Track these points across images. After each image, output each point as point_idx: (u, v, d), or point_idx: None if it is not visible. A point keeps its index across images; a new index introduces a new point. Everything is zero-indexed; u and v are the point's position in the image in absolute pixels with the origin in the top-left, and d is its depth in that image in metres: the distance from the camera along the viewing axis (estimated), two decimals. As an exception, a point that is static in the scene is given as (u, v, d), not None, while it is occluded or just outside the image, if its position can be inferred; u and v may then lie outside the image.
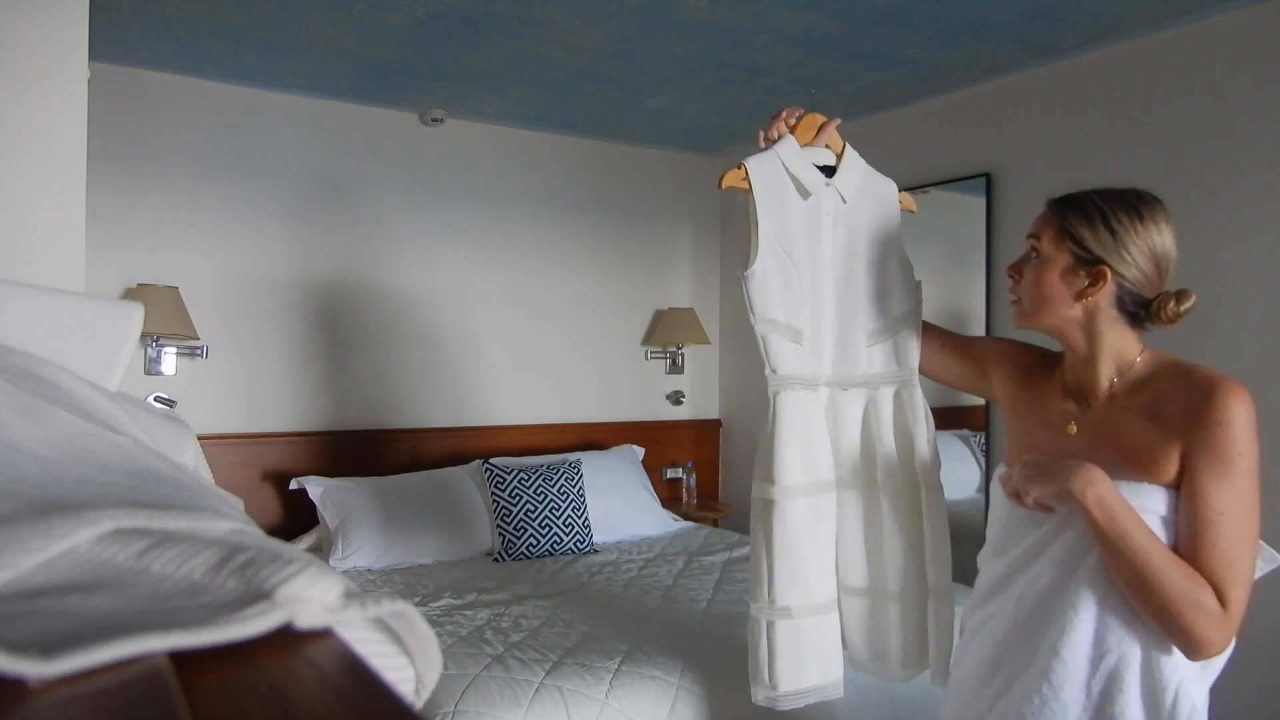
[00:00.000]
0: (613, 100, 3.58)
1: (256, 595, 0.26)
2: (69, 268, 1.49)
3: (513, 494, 3.32)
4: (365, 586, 2.18)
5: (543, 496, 3.36)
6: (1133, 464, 1.24)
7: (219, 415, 3.34)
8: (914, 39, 2.86)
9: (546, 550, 3.29)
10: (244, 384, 3.41)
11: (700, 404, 4.55)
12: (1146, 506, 1.22)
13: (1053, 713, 1.24)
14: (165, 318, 3.03)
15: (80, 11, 1.51)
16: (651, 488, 3.90)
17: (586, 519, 3.43)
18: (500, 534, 3.28)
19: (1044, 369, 1.45)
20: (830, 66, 3.14)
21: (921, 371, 1.68)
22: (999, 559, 1.37)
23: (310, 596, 0.26)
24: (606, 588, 2.92)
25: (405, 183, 3.75)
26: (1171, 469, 1.23)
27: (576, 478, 3.50)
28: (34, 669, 0.21)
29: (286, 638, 0.26)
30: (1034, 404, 1.42)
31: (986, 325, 3.25)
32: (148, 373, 3.20)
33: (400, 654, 0.31)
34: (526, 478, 3.39)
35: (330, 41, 2.94)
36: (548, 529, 3.31)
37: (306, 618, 0.26)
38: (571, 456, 3.72)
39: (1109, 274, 1.31)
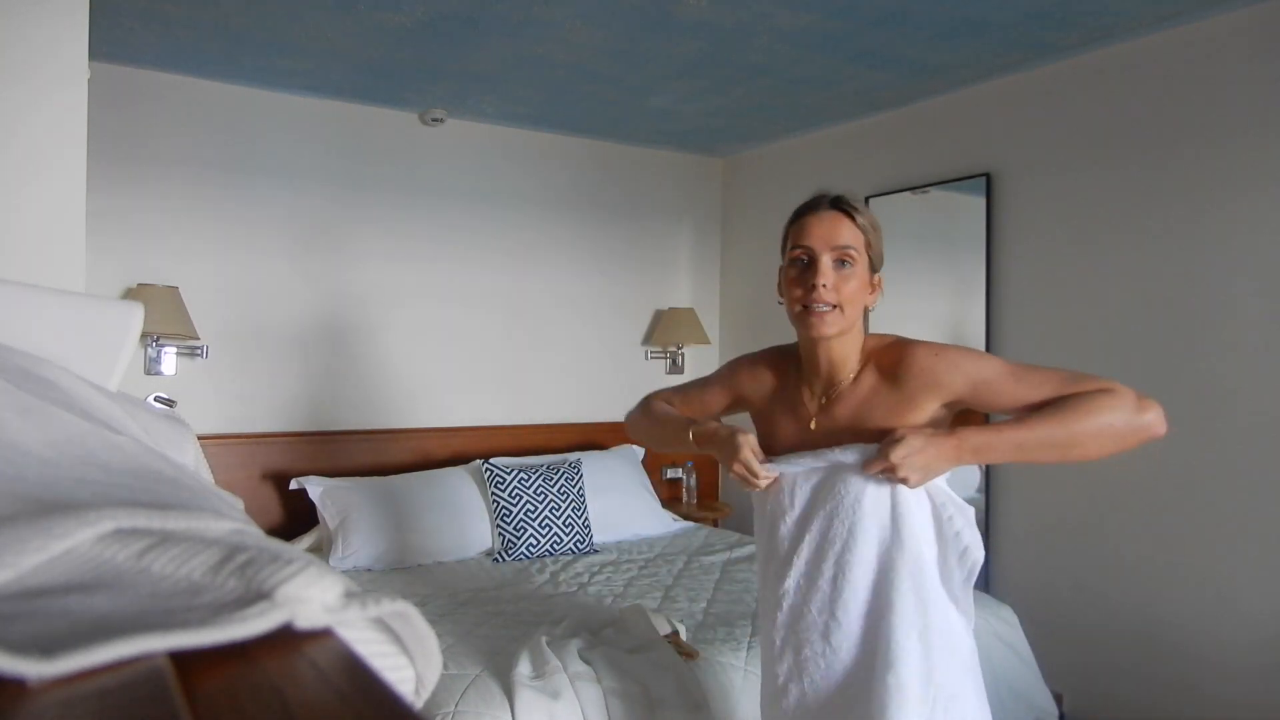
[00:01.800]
0: (613, 100, 3.58)
1: (257, 595, 0.26)
2: (69, 268, 1.49)
3: (513, 494, 3.32)
4: (365, 586, 2.17)
5: (543, 496, 3.36)
6: (867, 440, 1.40)
7: (219, 415, 3.34)
8: (914, 39, 2.86)
9: (546, 550, 3.29)
10: (244, 384, 3.41)
11: (700, 404, 4.54)
12: (862, 458, 1.38)
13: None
14: (165, 318, 3.03)
15: (80, 11, 1.51)
16: (651, 488, 3.90)
17: (586, 519, 3.43)
18: (500, 534, 3.28)
19: (784, 371, 1.56)
20: (830, 66, 3.14)
21: None
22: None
23: (310, 596, 0.26)
24: (607, 588, 2.92)
25: (405, 183, 3.75)
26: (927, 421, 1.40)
27: (576, 478, 3.50)
28: (34, 669, 0.21)
29: (286, 638, 0.26)
30: (782, 406, 1.54)
31: (987, 326, 3.25)
32: (148, 373, 3.20)
33: (400, 654, 0.31)
34: (526, 478, 3.39)
35: (330, 41, 2.94)
36: (548, 529, 3.31)
37: (306, 618, 0.26)
38: (571, 456, 3.72)
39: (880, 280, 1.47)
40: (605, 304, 4.26)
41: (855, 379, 1.43)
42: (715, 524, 4.06)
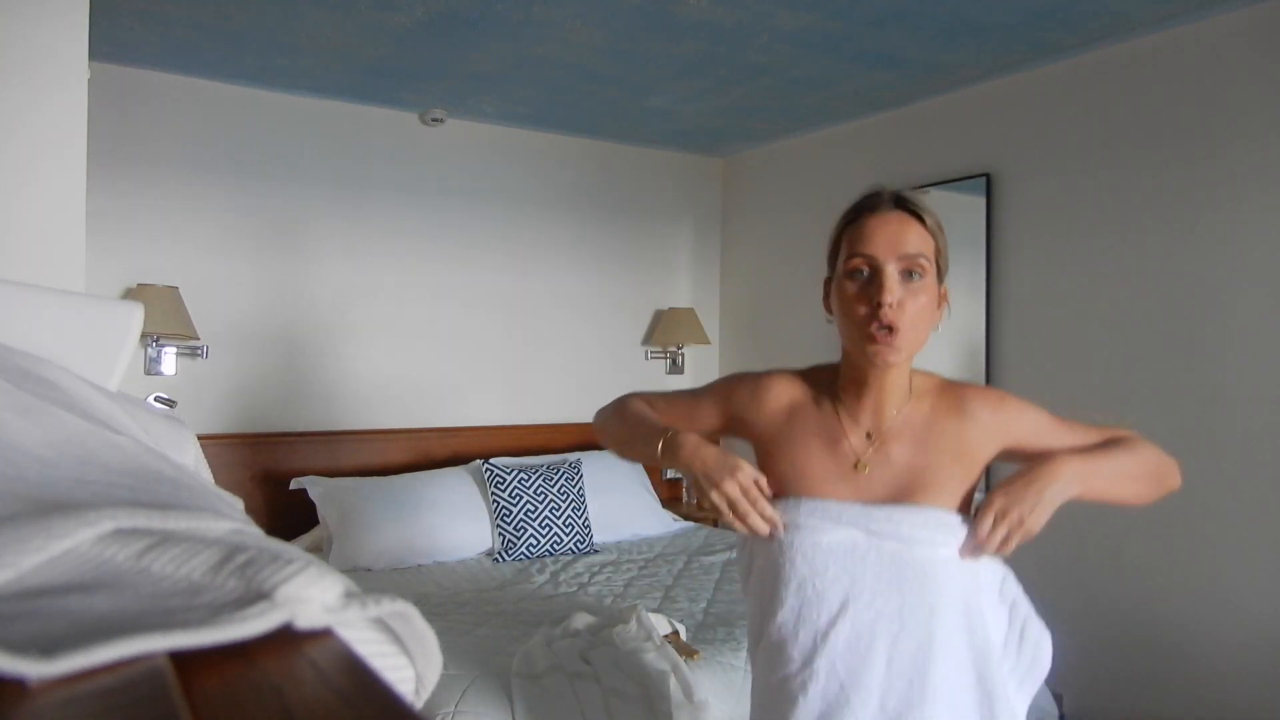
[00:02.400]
0: (613, 100, 3.58)
1: (256, 595, 0.26)
2: (69, 268, 1.49)
3: (513, 494, 3.32)
4: (365, 586, 2.18)
5: (543, 496, 3.36)
6: (933, 491, 1.19)
7: (219, 415, 3.34)
8: (914, 39, 2.86)
9: (546, 550, 3.29)
10: (244, 384, 3.41)
11: (700, 404, 4.54)
12: (945, 534, 1.17)
13: None
14: (165, 318, 3.03)
15: (80, 11, 1.51)
16: (651, 488, 3.91)
17: (586, 519, 3.43)
18: (500, 534, 3.28)
19: (816, 394, 1.30)
20: (830, 66, 3.14)
21: None
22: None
23: (310, 596, 0.26)
24: (607, 588, 2.92)
25: (405, 183, 3.75)
26: (972, 480, 1.24)
27: (576, 478, 3.50)
28: (34, 669, 0.21)
29: (286, 638, 0.26)
30: (809, 445, 1.26)
31: (986, 326, 3.25)
32: (148, 373, 3.20)
33: (400, 654, 0.31)
34: (526, 478, 3.39)
35: (330, 41, 2.94)
36: (548, 529, 3.31)
37: (306, 618, 0.26)
38: (571, 456, 3.72)
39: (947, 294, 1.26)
40: (605, 304, 4.26)
41: (907, 413, 1.23)
42: (715, 524, 4.06)
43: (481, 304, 3.92)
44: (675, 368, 4.43)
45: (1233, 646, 2.57)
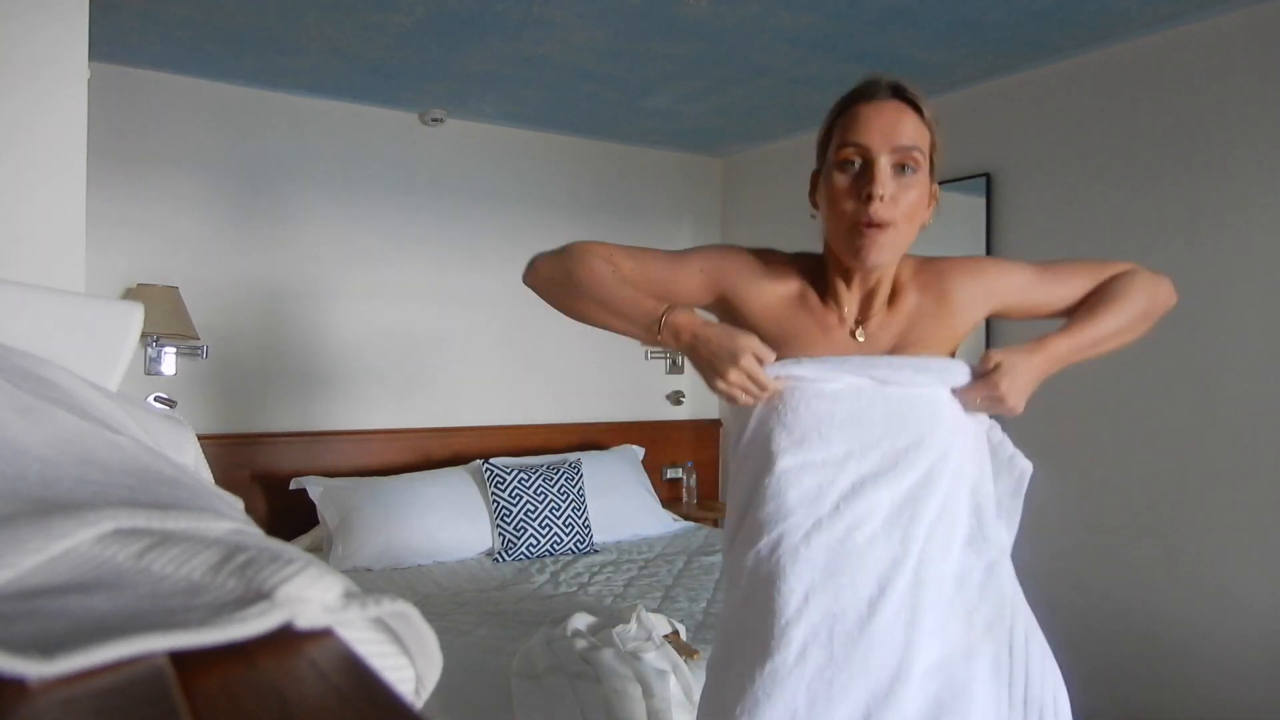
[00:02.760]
0: (613, 100, 3.58)
1: (256, 595, 0.26)
2: (69, 268, 1.49)
3: (513, 494, 3.32)
4: (365, 586, 2.18)
5: (543, 496, 3.36)
6: (926, 349, 1.23)
7: (219, 415, 3.34)
8: (914, 39, 2.86)
9: (546, 550, 3.29)
10: (244, 384, 3.41)
11: (700, 404, 4.55)
12: (946, 376, 1.20)
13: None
14: (165, 318, 3.03)
15: (80, 11, 1.51)
16: (651, 488, 3.91)
17: (586, 519, 3.43)
18: (500, 534, 3.28)
19: (805, 282, 1.27)
20: (830, 66, 3.14)
21: None
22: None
23: (310, 596, 0.26)
24: (607, 588, 2.92)
25: (405, 183, 3.75)
26: (958, 339, 1.27)
27: (576, 478, 3.50)
28: (34, 669, 0.21)
29: (286, 638, 0.26)
30: (803, 324, 1.25)
31: (987, 328, 3.25)
32: (148, 373, 3.20)
33: (400, 654, 0.31)
34: (526, 478, 3.39)
35: (330, 41, 2.94)
36: (548, 529, 3.31)
37: (306, 618, 0.26)
38: (571, 456, 3.72)
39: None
40: (605, 304, 4.26)
41: (893, 301, 1.23)
42: (715, 524, 4.06)
43: (482, 304, 3.92)
44: (675, 368, 4.44)
45: (1233, 646, 2.57)
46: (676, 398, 4.45)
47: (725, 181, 4.58)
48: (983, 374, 1.18)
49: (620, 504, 3.65)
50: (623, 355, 4.31)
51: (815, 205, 1.21)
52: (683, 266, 1.28)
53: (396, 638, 0.31)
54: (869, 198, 1.09)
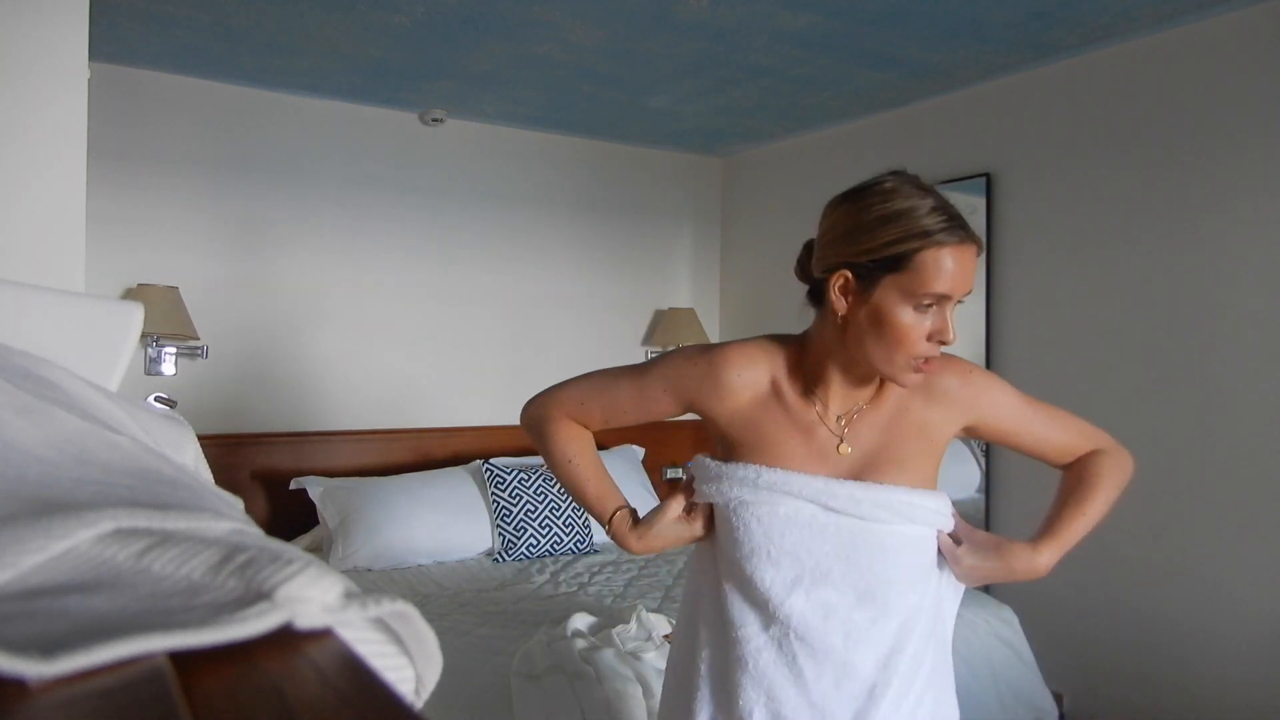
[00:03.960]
0: (613, 100, 3.58)
1: (256, 595, 0.26)
2: (69, 268, 1.49)
3: (513, 494, 3.32)
4: (365, 586, 2.19)
5: (543, 496, 3.36)
6: (901, 470, 1.19)
7: (219, 415, 3.34)
8: (914, 39, 2.86)
9: (546, 550, 3.29)
10: (244, 384, 3.41)
11: (700, 404, 4.55)
12: (933, 513, 1.19)
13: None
14: (165, 318, 3.03)
15: (80, 11, 1.51)
16: (652, 488, 3.90)
17: (586, 519, 3.43)
18: (500, 534, 3.28)
19: (781, 374, 1.24)
20: (830, 66, 3.14)
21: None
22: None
23: (310, 596, 0.26)
24: (607, 588, 2.92)
25: (405, 183, 3.75)
26: (938, 460, 1.24)
27: (576, 478, 3.50)
28: (34, 669, 0.21)
29: (286, 638, 0.26)
30: (780, 426, 1.21)
31: (987, 328, 3.25)
32: (148, 373, 3.20)
33: (400, 654, 0.31)
34: (526, 478, 3.39)
35: (330, 41, 2.94)
36: (548, 529, 3.31)
37: (306, 618, 0.26)
38: (571, 456, 3.71)
39: None
40: (605, 304, 4.26)
41: (877, 394, 1.21)
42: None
43: (482, 304, 3.92)
44: (675, 368, 4.43)
45: (1232, 646, 2.57)
46: (676, 398, 4.44)
47: (725, 181, 4.58)
48: (949, 547, 1.21)
49: (620, 504, 3.64)
50: (623, 355, 4.31)
51: (838, 303, 1.13)
52: (647, 387, 1.29)
53: (396, 638, 0.31)
54: (941, 343, 1.10)
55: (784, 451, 1.19)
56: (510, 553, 3.24)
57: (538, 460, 3.63)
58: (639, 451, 4.03)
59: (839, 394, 1.20)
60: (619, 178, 4.30)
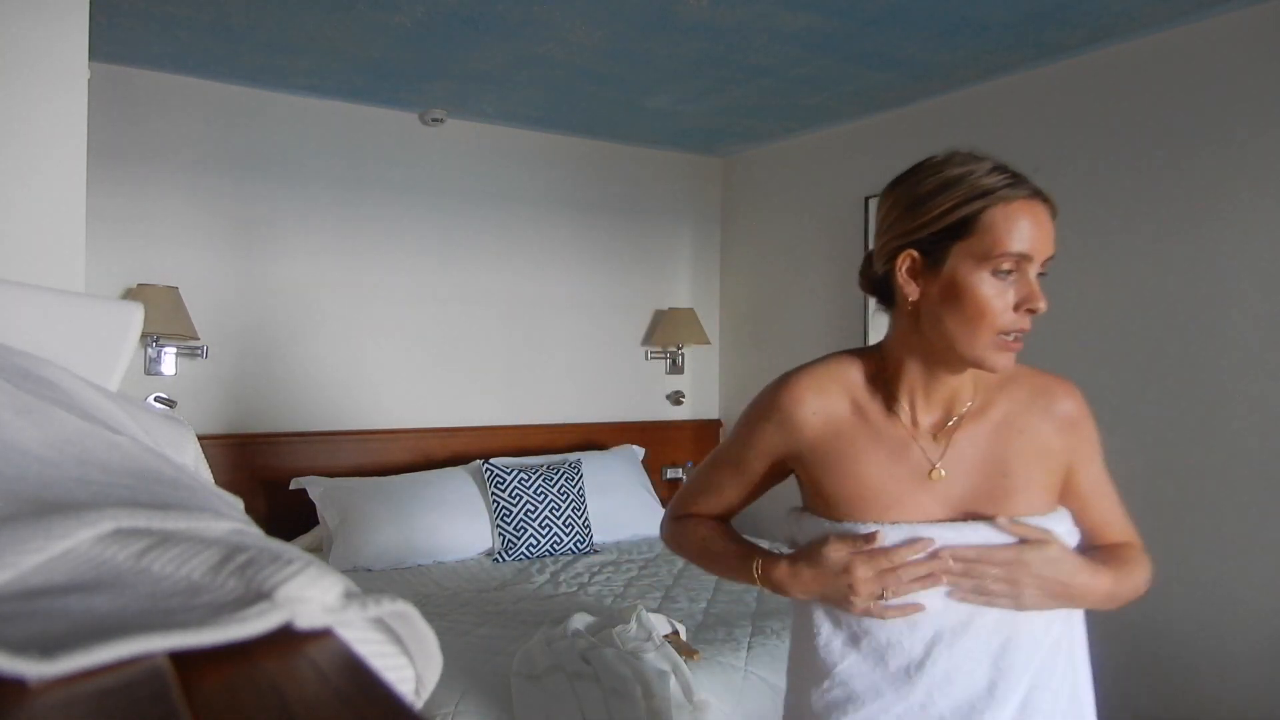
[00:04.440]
0: (613, 100, 3.58)
1: (256, 595, 0.26)
2: (69, 268, 1.49)
3: (513, 494, 3.32)
4: (365, 586, 2.19)
5: (543, 496, 3.36)
6: (1023, 493, 1.07)
7: (219, 415, 3.34)
8: (914, 39, 2.86)
9: (546, 550, 3.29)
10: (244, 384, 3.41)
11: (700, 404, 4.55)
12: (1067, 536, 1.09)
13: None
14: (165, 318, 3.03)
15: (80, 11, 1.51)
16: (652, 488, 3.90)
17: (587, 519, 3.43)
18: (500, 534, 3.28)
19: (861, 393, 1.12)
20: (830, 66, 3.14)
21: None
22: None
23: (310, 596, 0.26)
24: (607, 588, 2.92)
25: (405, 183, 3.75)
26: (1057, 481, 1.11)
27: (576, 478, 3.50)
28: (34, 669, 0.21)
29: (286, 638, 0.26)
30: (867, 452, 1.09)
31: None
32: (148, 373, 3.20)
33: (400, 654, 0.31)
34: (526, 478, 3.39)
35: (330, 41, 2.94)
36: (548, 529, 3.31)
37: (306, 618, 0.26)
38: (571, 457, 3.72)
39: None
40: (605, 304, 4.26)
41: (974, 409, 1.09)
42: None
43: (482, 304, 3.92)
44: (675, 368, 4.43)
45: (1233, 646, 2.57)
46: (676, 398, 4.45)
47: (725, 181, 4.58)
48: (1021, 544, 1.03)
49: (620, 504, 3.65)
50: (623, 355, 4.31)
51: (908, 288, 1.04)
52: (744, 468, 1.19)
53: (396, 638, 0.31)
54: (1030, 312, 0.99)
55: (875, 481, 1.07)
56: (510, 553, 3.24)
57: (538, 460, 3.63)
58: (639, 451, 4.04)
59: (926, 400, 1.08)
60: (619, 178, 4.30)
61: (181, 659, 0.24)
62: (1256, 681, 2.51)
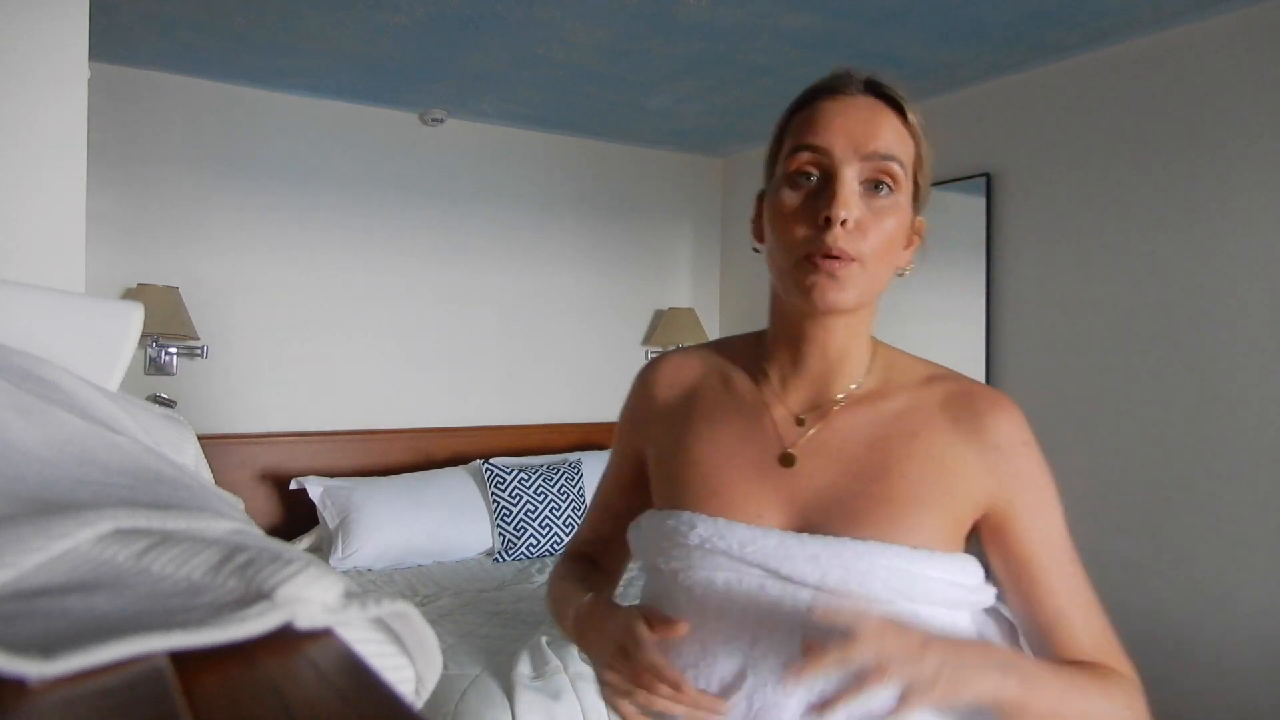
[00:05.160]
0: (613, 100, 3.58)
1: (257, 595, 0.26)
2: (69, 268, 1.49)
3: (513, 494, 3.32)
4: (365, 586, 2.19)
5: (543, 496, 3.36)
6: (901, 509, 0.80)
7: (219, 415, 3.34)
8: (914, 39, 2.86)
9: (547, 550, 3.29)
10: (244, 384, 3.41)
11: (700, 404, 4.55)
12: (948, 586, 0.79)
13: None
14: (165, 318, 3.03)
15: (80, 11, 1.51)
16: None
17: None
18: (500, 534, 3.28)
19: (729, 368, 0.94)
20: (830, 67, 3.14)
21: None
22: None
23: (310, 596, 0.26)
24: (606, 588, 2.92)
25: (405, 183, 3.75)
26: (960, 519, 0.83)
27: (576, 478, 3.50)
28: (34, 669, 0.21)
29: (286, 638, 0.26)
30: (717, 428, 0.89)
31: (986, 327, 3.24)
32: (148, 373, 3.20)
33: (400, 654, 0.31)
34: (526, 478, 3.39)
35: (330, 41, 2.94)
36: (548, 529, 3.31)
37: (306, 618, 0.26)
38: (571, 456, 3.72)
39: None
40: (605, 304, 4.26)
41: (863, 393, 0.87)
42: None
43: (482, 304, 3.92)
44: (675, 368, 4.43)
45: (1232, 646, 2.57)
46: (676, 398, 4.45)
47: (725, 181, 4.58)
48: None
49: (620, 504, 3.64)
50: (623, 355, 4.31)
51: (760, 238, 0.93)
52: (612, 466, 1.04)
53: (396, 638, 0.31)
54: (828, 221, 0.77)
55: (708, 462, 0.86)
56: (510, 553, 3.24)
57: (538, 460, 3.63)
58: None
59: (796, 372, 0.88)
60: (619, 178, 4.30)
61: (181, 659, 0.24)
62: (1255, 681, 2.52)
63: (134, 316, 0.59)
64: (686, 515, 0.84)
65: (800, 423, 0.86)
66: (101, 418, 0.40)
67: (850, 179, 0.80)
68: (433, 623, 2.55)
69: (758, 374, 0.91)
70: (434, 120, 3.72)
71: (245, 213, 3.42)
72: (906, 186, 0.83)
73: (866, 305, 0.85)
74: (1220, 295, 2.62)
